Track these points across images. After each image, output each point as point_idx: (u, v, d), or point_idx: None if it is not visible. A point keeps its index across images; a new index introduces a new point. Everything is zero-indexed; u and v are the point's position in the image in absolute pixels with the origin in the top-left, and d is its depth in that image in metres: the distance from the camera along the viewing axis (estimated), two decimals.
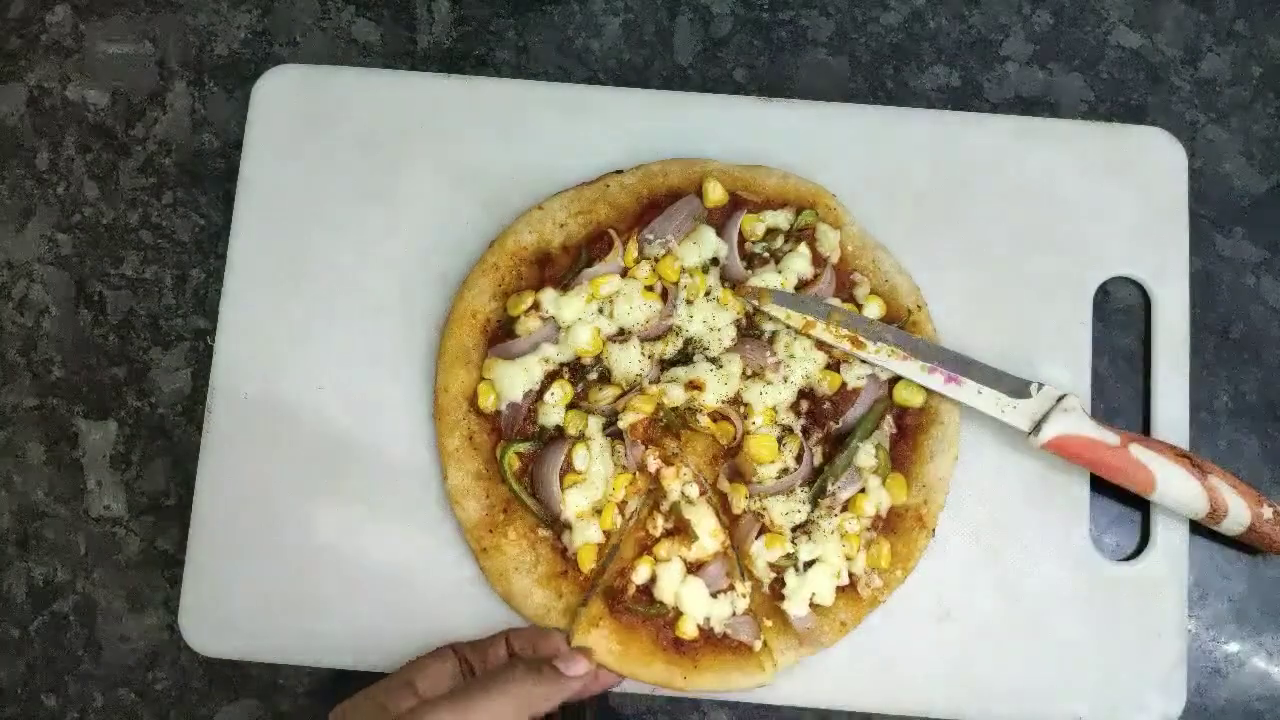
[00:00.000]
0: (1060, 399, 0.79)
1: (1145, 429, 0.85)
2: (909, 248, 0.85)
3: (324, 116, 0.88)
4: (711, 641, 0.78)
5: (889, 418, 0.82)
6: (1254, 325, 0.88)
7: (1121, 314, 0.87)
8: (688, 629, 0.78)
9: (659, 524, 0.79)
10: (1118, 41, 0.93)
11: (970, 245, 0.86)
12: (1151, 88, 0.92)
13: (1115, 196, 0.87)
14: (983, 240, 0.86)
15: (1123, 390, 0.86)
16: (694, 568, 0.79)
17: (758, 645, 0.78)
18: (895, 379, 0.82)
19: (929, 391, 0.81)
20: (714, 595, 0.78)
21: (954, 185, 0.87)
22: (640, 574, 0.78)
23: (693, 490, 0.80)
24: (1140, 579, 0.82)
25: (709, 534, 0.79)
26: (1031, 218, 0.86)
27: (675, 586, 0.78)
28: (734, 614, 0.78)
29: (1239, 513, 0.78)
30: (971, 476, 0.83)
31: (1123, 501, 0.84)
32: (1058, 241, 0.86)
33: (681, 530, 0.79)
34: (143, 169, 0.91)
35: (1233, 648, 0.84)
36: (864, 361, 0.81)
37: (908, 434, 0.81)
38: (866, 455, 0.80)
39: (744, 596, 0.78)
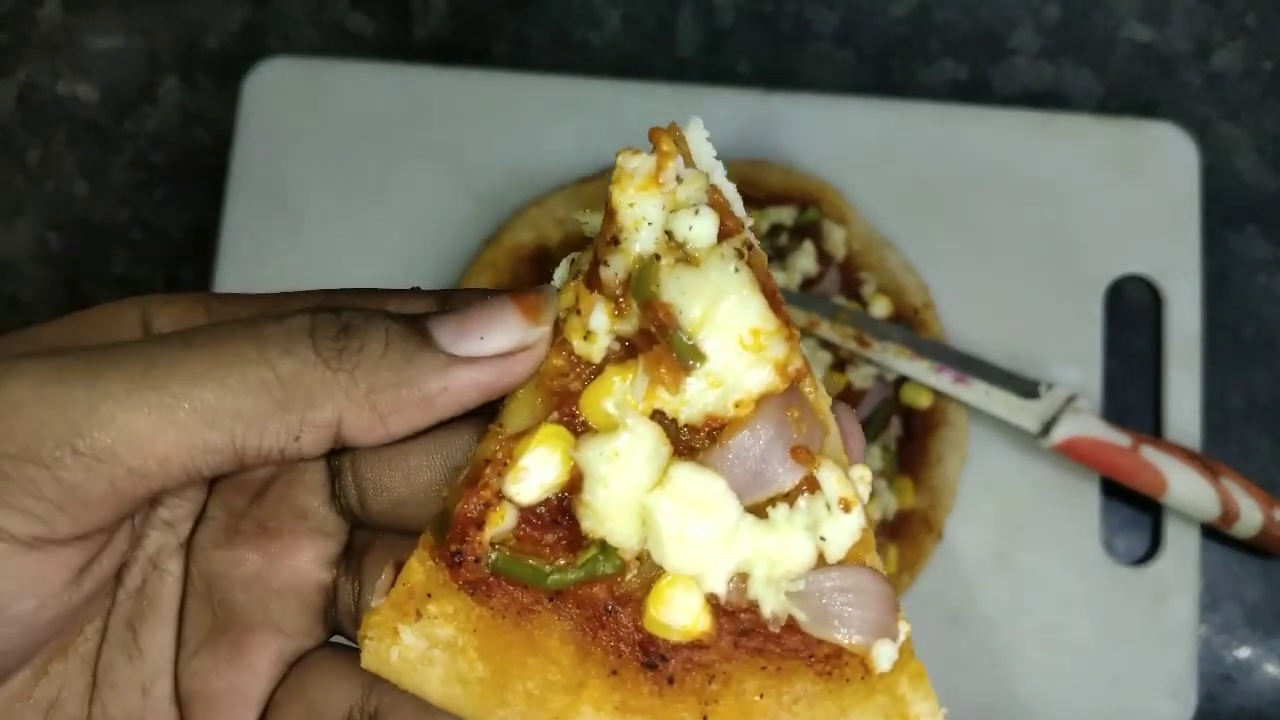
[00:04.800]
0: (1070, 400, 0.78)
1: (1156, 430, 0.83)
2: (916, 245, 0.84)
3: (318, 110, 0.86)
4: (755, 639, 0.32)
5: (896, 419, 0.80)
6: (1266, 324, 0.87)
7: (1133, 313, 0.86)
8: (671, 614, 0.31)
9: (601, 331, 0.33)
10: (1128, 35, 0.92)
11: (978, 242, 0.85)
12: (1162, 82, 0.91)
13: (1126, 193, 0.85)
14: (991, 237, 0.85)
15: (1134, 391, 0.85)
16: (694, 439, 0.32)
17: (884, 652, 0.34)
18: (902, 379, 0.81)
19: (936, 392, 0.80)
20: (758, 509, 0.33)
21: (962, 181, 0.85)
22: (532, 471, 0.32)
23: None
24: (1151, 583, 0.80)
25: (744, 334, 0.31)
26: (1041, 214, 0.85)
27: (624, 491, 0.31)
28: (821, 563, 0.32)
29: (1251, 515, 0.77)
30: (980, 479, 0.81)
31: (1134, 504, 0.82)
32: (1067, 238, 0.85)
33: (653, 341, 0.32)
34: (133, 165, 0.90)
35: (1244, 653, 0.83)
36: (870, 361, 0.80)
37: (915, 436, 0.80)
38: (873, 458, 0.78)
39: (845, 505, 0.33)
